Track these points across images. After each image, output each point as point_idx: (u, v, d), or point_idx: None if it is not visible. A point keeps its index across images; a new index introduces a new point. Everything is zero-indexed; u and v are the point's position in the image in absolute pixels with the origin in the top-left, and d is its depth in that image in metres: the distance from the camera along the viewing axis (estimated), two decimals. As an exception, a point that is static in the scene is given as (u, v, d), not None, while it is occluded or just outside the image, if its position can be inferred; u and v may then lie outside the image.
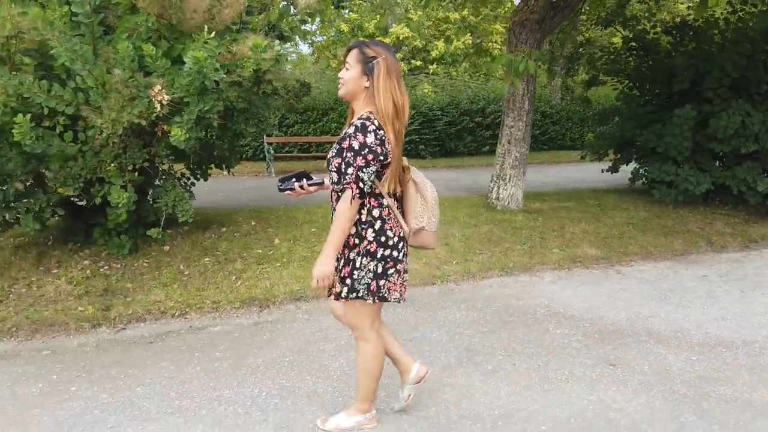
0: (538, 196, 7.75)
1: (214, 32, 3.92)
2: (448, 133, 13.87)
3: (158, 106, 3.83)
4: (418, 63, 19.25)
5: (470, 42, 20.84)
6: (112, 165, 4.20)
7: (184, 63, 3.98)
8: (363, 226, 2.28)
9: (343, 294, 2.31)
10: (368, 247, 2.28)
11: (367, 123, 2.20)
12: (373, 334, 2.45)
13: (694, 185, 6.75)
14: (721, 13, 7.76)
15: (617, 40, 10.36)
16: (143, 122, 3.86)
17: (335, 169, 2.23)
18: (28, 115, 3.47)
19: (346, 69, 2.26)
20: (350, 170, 2.18)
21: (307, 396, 2.88)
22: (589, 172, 11.16)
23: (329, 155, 2.28)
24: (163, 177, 4.82)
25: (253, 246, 5.20)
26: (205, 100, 3.89)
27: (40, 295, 4.07)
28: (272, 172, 10.67)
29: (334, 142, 2.30)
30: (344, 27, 18.82)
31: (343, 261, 2.31)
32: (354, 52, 2.26)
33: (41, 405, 2.79)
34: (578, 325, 3.88)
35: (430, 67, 19.70)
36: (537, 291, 4.63)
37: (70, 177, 4.16)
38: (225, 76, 3.89)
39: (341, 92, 2.30)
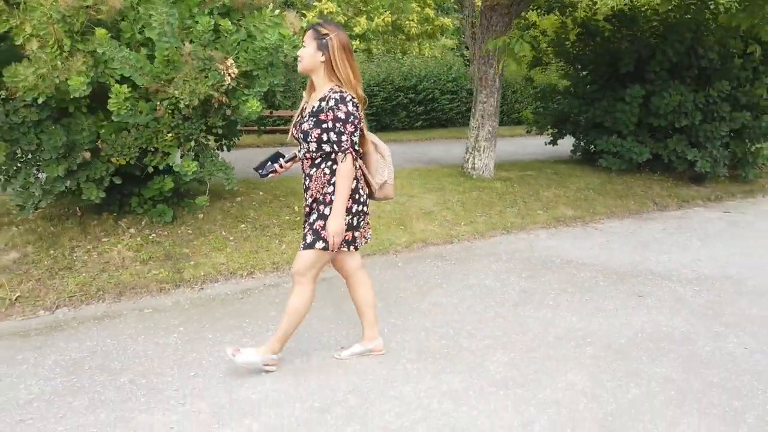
0: (499, 167, 8.50)
1: (278, 10, 4.19)
2: (384, 108, 14.37)
3: (228, 78, 4.07)
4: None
5: (390, 20, 21.38)
6: (169, 135, 4.35)
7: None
8: None
9: (316, 244, 2.57)
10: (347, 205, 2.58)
11: (344, 94, 2.50)
12: (312, 285, 2.69)
13: (637, 155, 7.79)
14: (651, 4, 8.86)
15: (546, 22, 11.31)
16: (215, 93, 4.07)
17: (315, 140, 2.53)
18: (125, 86, 3.60)
19: (304, 47, 2.58)
20: (344, 137, 2.48)
21: (423, 330, 3.38)
22: (520, 146, 12.16)
23: (305, 127, 2.56)
24: (197, 147, 4.98)
25: (278, 213, 5.49)
26: (274, 73, 4.16)
27: (105, 261, 4.19)
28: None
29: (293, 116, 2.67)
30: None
31: (316, 215, 2.60)
32: (309, 32, 2.58)
33: (194, 350, 3.07)
34: (593, 269, 4.63)
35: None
36: (542, 245, 5.35)
37: (126, 147, 4.27)
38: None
39: (300, 68, 2.60)
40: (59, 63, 3.57)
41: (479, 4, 18.50)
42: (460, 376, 2.84)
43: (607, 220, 6.48)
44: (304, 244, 2.63)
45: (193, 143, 4.47)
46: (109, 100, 3.61)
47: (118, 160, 4.33)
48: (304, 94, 2.72)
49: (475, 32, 18.81)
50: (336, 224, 2.53)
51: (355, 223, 2.68)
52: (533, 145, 11.80)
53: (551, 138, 9.64)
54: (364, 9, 18.93)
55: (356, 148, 2.55)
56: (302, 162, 2.69)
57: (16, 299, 3.61)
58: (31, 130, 3.95)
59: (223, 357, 2.99)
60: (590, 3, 9.23)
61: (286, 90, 5.16)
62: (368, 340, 3.02)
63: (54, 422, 2.39)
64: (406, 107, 14.77)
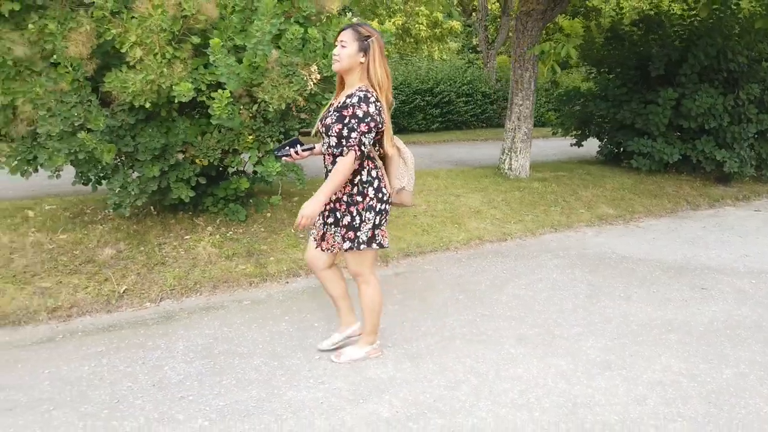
0: (532, 167, 8.75)
1: (355, 17, 4.42)
2: (402, 110, 14.61)
3: (310, 83, 4.30)
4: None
5: (400, 23, 21.70)
6: (250, 138, 4.58)
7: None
8: (365, 185, 2.66)
9: (353, 246, 2.68)
10: (370, 203, 2.67)
11: (369, 95, 2.53)
12: (373, 278, 2.84)
13: (668, 155, 8.05)
14: (674, 8, 9.13)
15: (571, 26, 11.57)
16: (299, 98, 4.30)
17: (336, 134, 2.57)
18: (227, 91, 3.83)
19: (342, 47, 2.57)
20: (354, 134, 2.50)
21: (512, 319, 3.61)
22: (538, 147, 12.40)
23: (328, 121, 2.60)
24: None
25: (338, 212, 5.71)
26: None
27: (193, 257, 4.40)
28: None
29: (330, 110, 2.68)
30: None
31: (349, 217, 2.68)
32: (349, 32, 2.58)
33: (307, 336, 3.29)
34: (650, 264, 4.87)
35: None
36: (592, 242, 5.58)
37: (210, 148, 4.49)
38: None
39: (337, 66, 2.60)
40: (165, 70, 3.79)
41: (492, 8, 18.67)
42: (564, 360, 3.07)
43: (646, 218, 6.72)
44: (347, 247, 2.69)
45: (272, 145, 4.69)
46: (213, 104, 3.83)
47: (201, 161, 4.56)
48: (336, 91, 2.78)
49: (488, 36, 19.04)
50: (312, 209, 2.52)
51: (378, 221, 2.72)
52: (551, 146, 12.03)
53: (576, 140, 9.89)
54: (382, 12, 19.19)
55: (363, 148, 2.56)
56: (324, 157, 2.74)
57: (124, 292, 3.83)
58: (127, 132, 4.17)
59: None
60: (616, 8, 9.50)
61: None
62: (346, 326, 3.07)
63: (212, 398, 2.61)
64: (423, 110, 15.00)
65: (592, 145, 9.96)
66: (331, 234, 2.80)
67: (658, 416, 2.56)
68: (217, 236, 4.74)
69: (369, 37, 2.59)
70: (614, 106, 8.84)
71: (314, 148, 2.80)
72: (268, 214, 5.33)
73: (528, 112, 7.87)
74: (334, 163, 2.64)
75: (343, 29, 2.62)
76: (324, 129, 2.65)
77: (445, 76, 15.50)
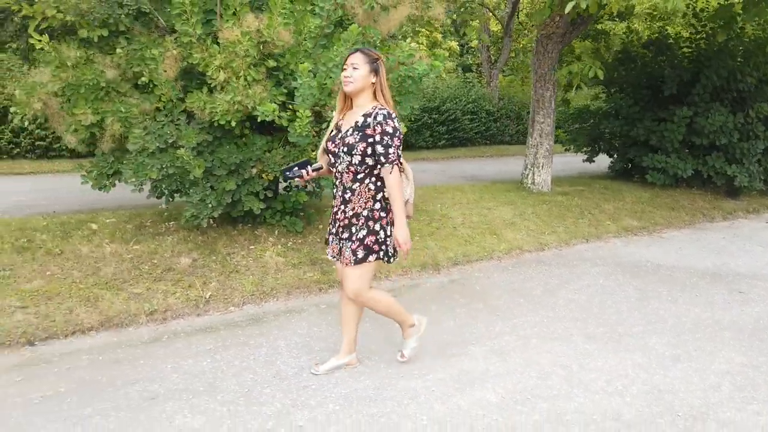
0: (552, 182, 9.10)
1: (415, 42, 4.75)
2: (410, 128, 14.96)
3: (374, 102, 4.60)
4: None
5: (403, 43, 22.11)
6: (314, 153, 4.86)
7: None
8: (386, 201, 2.76)
9: (382, 258, 2.78)
10: (390, 218, 2.78)
11: (390, 111, 2.65)
12: (373, 292, 2.89)
13: (682, 170, 8.44)
14: (679, 32, 9.60)
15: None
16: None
17: (360, 153, 2.65)
18: (307, 111, 4.12)
19: (354, 68, 2.67)
20: (392, 150, 2.61)
21: (576, 320, 3.90)
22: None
23: (350, 140, 2.66)
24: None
25: (383, 224, 6.00)
26: (411, 99, 4.70)
27: (262, 266, 4.66)
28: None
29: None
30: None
31: (366, 231, 2.72)
32: (359, 55, 2.70)
33: (396, 335, 3.55)
34: (685, 271, 5.20)
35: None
36: (623, 252, 5.91)
37: (276, 164, 4.77)
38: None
39: (350, 88, 2.69)
40: (249, 91, 4.09)
41: (494, 30, 19.18)
42: (636, 354, 3.36)
43: (667, 230, 7.07)
44: (354, 259, 2.73)
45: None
46: (294, 123, 4.11)
47: (268, 176, 4.84)
48: (335, 112, 2.86)
49: (490, 56, 19.47)
50: (404, 233, 2.66)
51: (389, 232, 2.81)
52: (559, 162, 12.27)
53: (587, 155, 10.28)
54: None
55: (401, 161, 2.69)
56: (341, 175, 2.76)
57: (209, 297, 4.08)
58: (206, 149, 4.45)
59: (423, 338, 3.48)
60: (627, 31, 9.96)
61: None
62: (347, 353, 3.09)
63: (332, 387, 2.87)
64: (431, 127, 15.38)
65: (600, 161, 10.36)
66: (337, 245, 2.87)
67: (735, 400, 2.86)
68: (279, 246, 5.01)
69: (377, 59, 2.72)
70: (627, 124, 9.24)
71: (321, 167, 2.88)
72: (320, 226, 5.60)
73: (549, 129, 8.24)
74: (354, 180, 2.71)
75: (352, 53, 2.73)
76: (345, 149, 2.68)
77: (450, 95, 15.93)
